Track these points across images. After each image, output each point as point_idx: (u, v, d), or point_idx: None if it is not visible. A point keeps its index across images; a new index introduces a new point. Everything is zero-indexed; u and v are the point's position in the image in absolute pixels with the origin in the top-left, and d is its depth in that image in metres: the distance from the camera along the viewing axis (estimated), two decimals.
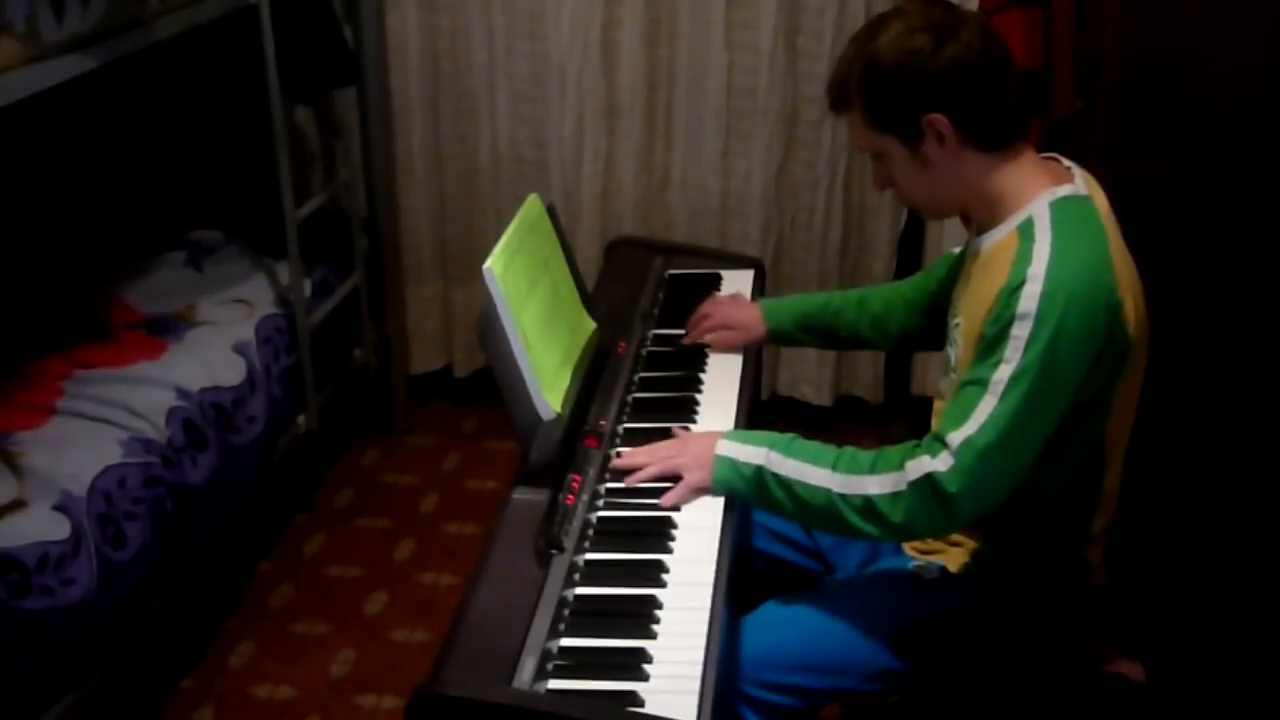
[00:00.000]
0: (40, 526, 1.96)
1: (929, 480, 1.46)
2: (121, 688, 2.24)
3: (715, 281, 2.29)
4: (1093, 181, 1.61)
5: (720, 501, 1.63)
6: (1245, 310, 2.35)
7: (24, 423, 2.21)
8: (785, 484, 1.56)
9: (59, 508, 2.00)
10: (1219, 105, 2.34)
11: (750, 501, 1.63)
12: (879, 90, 1.54)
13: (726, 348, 2.01)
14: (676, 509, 1.62)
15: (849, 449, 1.57)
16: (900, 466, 1.49)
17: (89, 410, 2.25)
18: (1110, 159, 2.39)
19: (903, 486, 1.48)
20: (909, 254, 3.19)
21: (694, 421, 1.84)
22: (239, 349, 2.59)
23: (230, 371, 2.53)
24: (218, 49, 2.92)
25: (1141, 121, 2.40)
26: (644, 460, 1.67)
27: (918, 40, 1.50)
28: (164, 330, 2.61)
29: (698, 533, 1.58)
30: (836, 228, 3.18)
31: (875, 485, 1.50)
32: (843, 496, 1.52)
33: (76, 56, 2.14)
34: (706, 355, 2.02)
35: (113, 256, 2.93)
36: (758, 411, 1.90)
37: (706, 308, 2.06)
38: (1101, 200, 1.58)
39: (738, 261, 2.40)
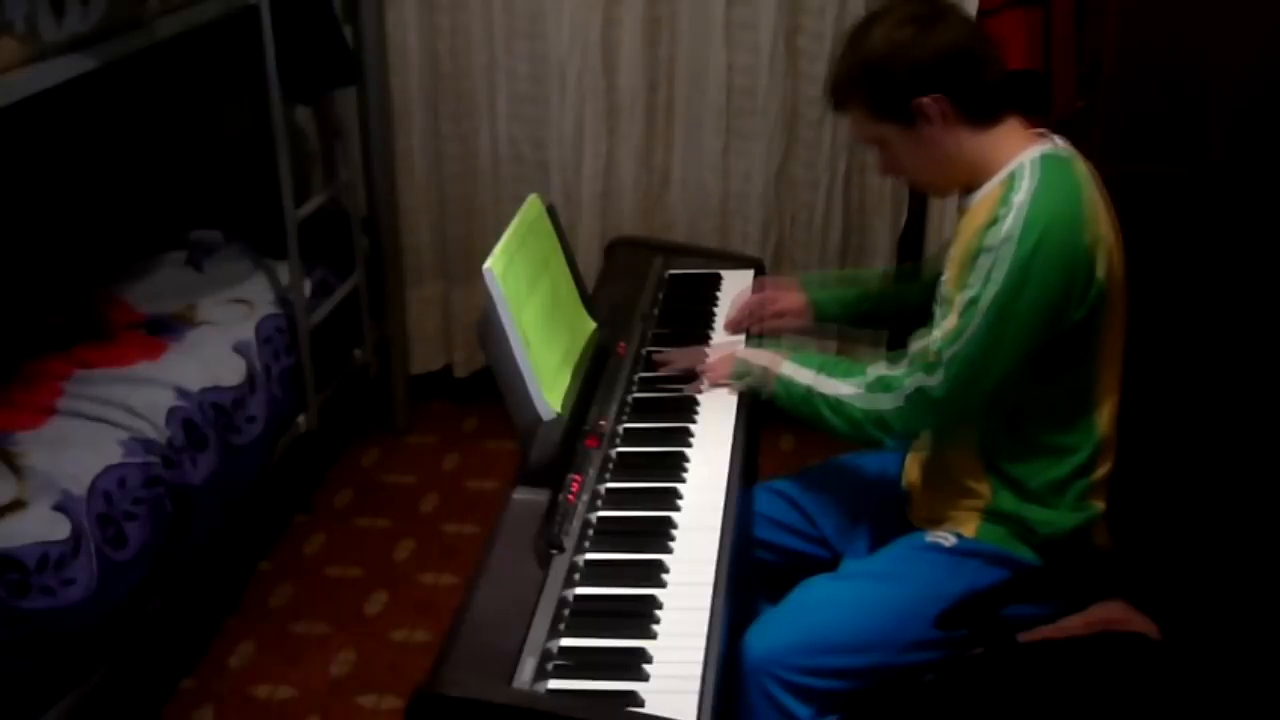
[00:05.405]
0: (40, 526, 1.96)
1: (920, 392, 1.66)
2: (121, 688, 2.24)
3: (715, 281, 2.30)
4: (1074, 151, 1.72)
5: (720, 501, 1.64)
6: (1245, 307, 2.35)
7: (24, 423, 2.20)
8: (829, 402, 1.75)
9: (59, 508, 2.00)
10: (1219, 105, 2.34)
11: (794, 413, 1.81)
12: (875, 85, 1.69)
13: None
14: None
15: (871, 370, 1.75)
16: (901, 385, 1.69)
17: (89, 410, 2.25)
18: (1110, 159, 2.39)
19: (901, 402, 1.68)
20: (909, 254, 3.19)
21: (694, 421, 1.84)
22: (239, 349, 2.59)
23: (230, 371, 2.53)
24: (218, 49, 2.92)
25: (1141, 121, 2.40)
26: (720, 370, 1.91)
27: (903, 34, 1.66)
28: (164, 330, 2.61)
29: (698, 533, 1.59)
30: (836, 228, 3.18)
31: (887, 401, 1.70)
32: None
33: (76, 56, 2.14)
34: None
35: (113, 256, 2.93)
36: (758, 410, 1.91)
37: (758, 296, 2.13)
38: (1084, 162, 1.70)
39: (738, 261, 2.41)
